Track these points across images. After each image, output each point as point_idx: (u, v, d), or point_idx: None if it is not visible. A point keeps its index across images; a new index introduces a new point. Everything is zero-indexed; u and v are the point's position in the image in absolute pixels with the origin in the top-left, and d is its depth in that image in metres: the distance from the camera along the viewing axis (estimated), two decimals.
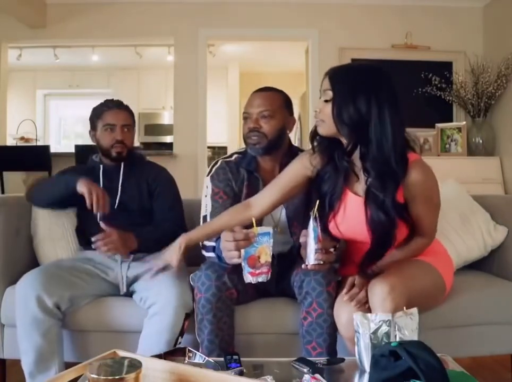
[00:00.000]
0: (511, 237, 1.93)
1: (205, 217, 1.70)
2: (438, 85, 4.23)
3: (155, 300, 1.60)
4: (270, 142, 1.68)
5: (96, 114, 1.94)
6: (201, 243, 1.66)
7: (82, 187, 1.73)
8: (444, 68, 4.31)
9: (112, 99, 2.00)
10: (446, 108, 4.36)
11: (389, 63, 4.24)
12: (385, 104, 1.36)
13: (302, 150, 1.76)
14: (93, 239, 1.70)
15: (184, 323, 1.59)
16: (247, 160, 1.74)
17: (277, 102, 1.71)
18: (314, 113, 1.48)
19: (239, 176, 1.73)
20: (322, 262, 1.36)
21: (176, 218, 1.91)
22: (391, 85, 1.41)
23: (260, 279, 1.34)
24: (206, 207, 1.71)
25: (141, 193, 1.94)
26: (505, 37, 4.00)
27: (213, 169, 1.75)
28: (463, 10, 4.40)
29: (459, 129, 4.19)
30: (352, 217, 1.47)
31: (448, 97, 4.23)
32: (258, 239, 1.33)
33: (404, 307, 1.24)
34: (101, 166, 1.96)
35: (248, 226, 1.38)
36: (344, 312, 1.43)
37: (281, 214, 1.74)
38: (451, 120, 4.37)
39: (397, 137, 1.37)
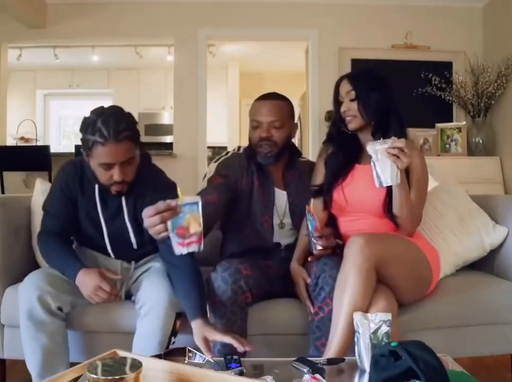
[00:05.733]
0: (511, 238, 1.93)
1: None
2: (438, 85, 4.23)
3: (145, 300, 1.58)
4: (279, 151, 1.76)
5: (87, 143, 1.53)
6: None
7: (83, 293, 1.58)
8: (444, 68, 4.31)
9: (105, 117, 1.52)
10: (446, 108, 4.36)
11: (389, 63, 4.25)
12: (392, 92, 1.72)
13: (300, 154, 1.94)
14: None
15: (176, 322, 1.55)
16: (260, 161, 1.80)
17: (286, 112, 1.77)
18: (343, 113, 1.71)
19: (249, 168, 1.80)
20: (322, 248, 1.55)
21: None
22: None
23: (191, 249, 1.24)
24: (200, 189, 1.74)
25: (138, 222, 1.63)
26: (505, 37, 4.00)
27: (222, 158, 1.83)
28: (463, 10, 4.40)
29: (459, 129, 4.19)
30: (359, 182, 1.70)
31: (448, 97, 4.23)
32: (185, 209, 1.23)
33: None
34: (96, 186, 1.67)
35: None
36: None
37: (286, 208, 1.82)
38: (451, 120, 4.37)
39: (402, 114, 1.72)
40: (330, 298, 1.49)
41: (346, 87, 1.70)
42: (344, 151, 1.75)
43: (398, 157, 1.46)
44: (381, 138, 1.52)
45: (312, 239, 1.56)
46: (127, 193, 1.66)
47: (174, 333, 1.56)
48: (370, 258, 1.42)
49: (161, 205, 1.23)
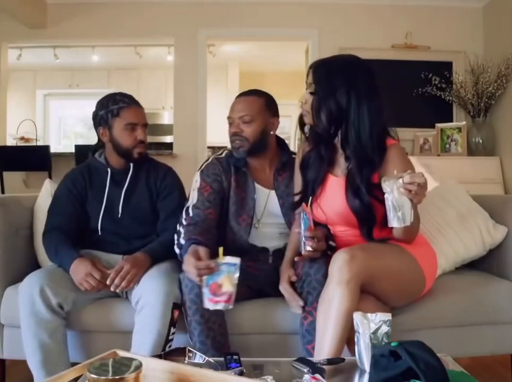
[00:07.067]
0: (511, 237, 1.93)
1: (187, 208, 1.71)
2: (438, 85, 4.23)
3: (141, 294, 1.58)
4: (252, 145, 1.74)
5: (112, 112, 1.79)
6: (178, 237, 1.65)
7: (74, 279, 1.62)
8: (444, 68, 4.32)
9: (120, 93, 1.86)
10: (446, 108, 4.36)
11: (389, 63, 4.25)
12: (364, 97, 1.48)
13: (290, 151, 1.87)
14: (108, 282, 1.60)
15: (173, 312, 1.55)
16: (236, 157, 1.80)
17: (257, 106, 1.74)
18: (300, 103, 1.57)
19: (228, 170, 1.79)
20: (312, 250, 1.48)
21: (176, 226, 1.80)
22: (371, 77, 1.52)
23: (218, 307, 1.37)
24: (192, 200, 1.73)
25: (148, 200, 1.86)
26: (505, 37, 4.00)
27: (204, 165, 1.83)
28: (463, 10, 4.40)
29: (459, 129, 4.19)
30: (332, 197, 1.57)
31: (447, 97, 4.23)
32: (223, 268, 1.37)
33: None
34: (109, 170, 1.86)
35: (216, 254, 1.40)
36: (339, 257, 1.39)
37: (266, 207, 1.77)
38: (451, 120, 4.38)
39: (374, 126, 1.49)
40: (318, 302, 1.46)
41: (310, 76, 1.54)
42: (318, 155, 1.61)
43: (416, 192, 1.27)
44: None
45: (303, 239, 1.50)
46: (134, 174, 1.86)
47: (173, 323, 1.56)
48: (357, 275, 1.35)
49: (201, 263, 1.38)
